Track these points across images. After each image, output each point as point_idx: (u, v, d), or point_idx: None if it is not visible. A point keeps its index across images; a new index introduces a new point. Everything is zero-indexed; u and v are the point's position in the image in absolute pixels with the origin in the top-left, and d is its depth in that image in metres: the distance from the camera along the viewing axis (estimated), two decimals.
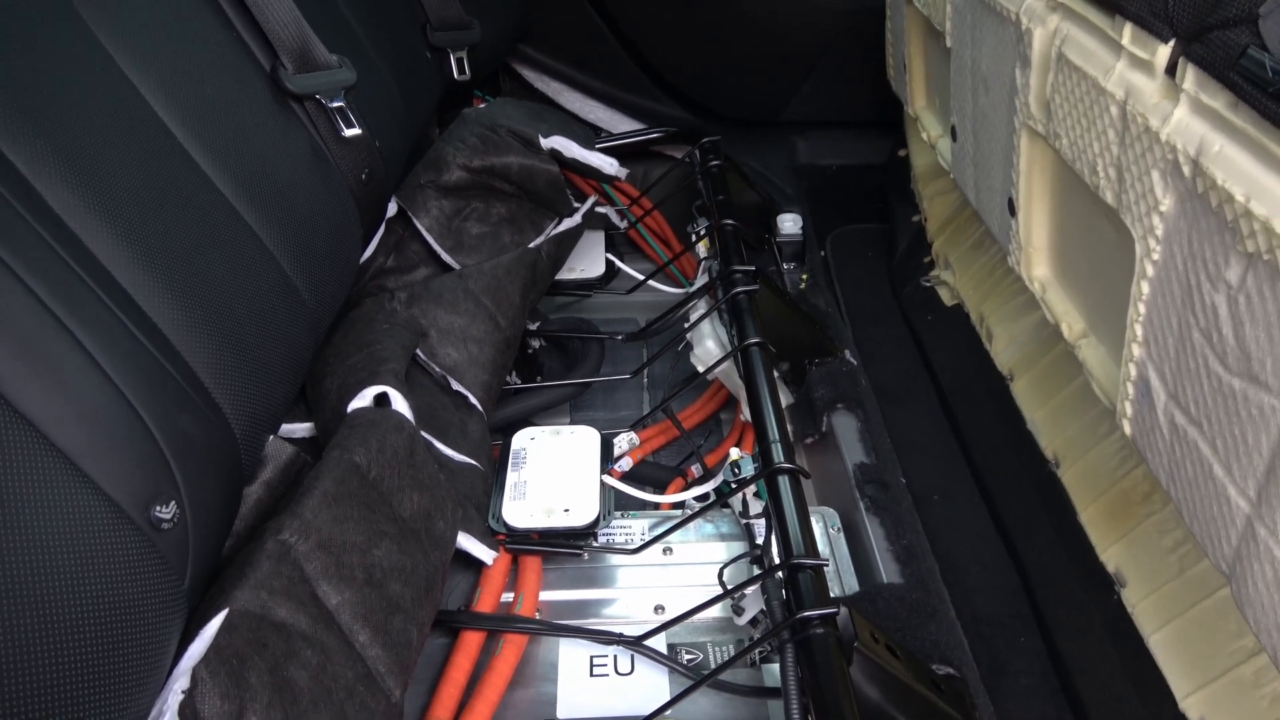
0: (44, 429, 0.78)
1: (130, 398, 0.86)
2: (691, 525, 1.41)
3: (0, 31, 0.92)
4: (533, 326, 1.85)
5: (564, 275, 1.94)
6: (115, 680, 0.79)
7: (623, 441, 1.63)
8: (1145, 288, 1.01)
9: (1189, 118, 0.90)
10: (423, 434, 1.27)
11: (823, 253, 2.27)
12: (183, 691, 0.83)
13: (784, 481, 1.23)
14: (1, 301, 0.78)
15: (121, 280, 0.93)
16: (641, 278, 1.97)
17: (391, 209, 1.66)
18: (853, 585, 1.39)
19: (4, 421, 0.75)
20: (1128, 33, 1.01)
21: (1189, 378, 0.95)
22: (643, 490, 1.49)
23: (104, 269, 0.91)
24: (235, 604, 0.92)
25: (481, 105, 2.06)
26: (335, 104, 1.39)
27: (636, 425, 1.66)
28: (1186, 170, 0.89)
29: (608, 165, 1.81)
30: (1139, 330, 1.04)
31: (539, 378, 1.87)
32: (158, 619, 0.85)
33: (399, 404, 1.23)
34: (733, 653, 1.29)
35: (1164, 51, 0.95)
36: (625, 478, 1.56)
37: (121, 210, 0.97)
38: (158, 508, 0.86)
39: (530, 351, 1.89)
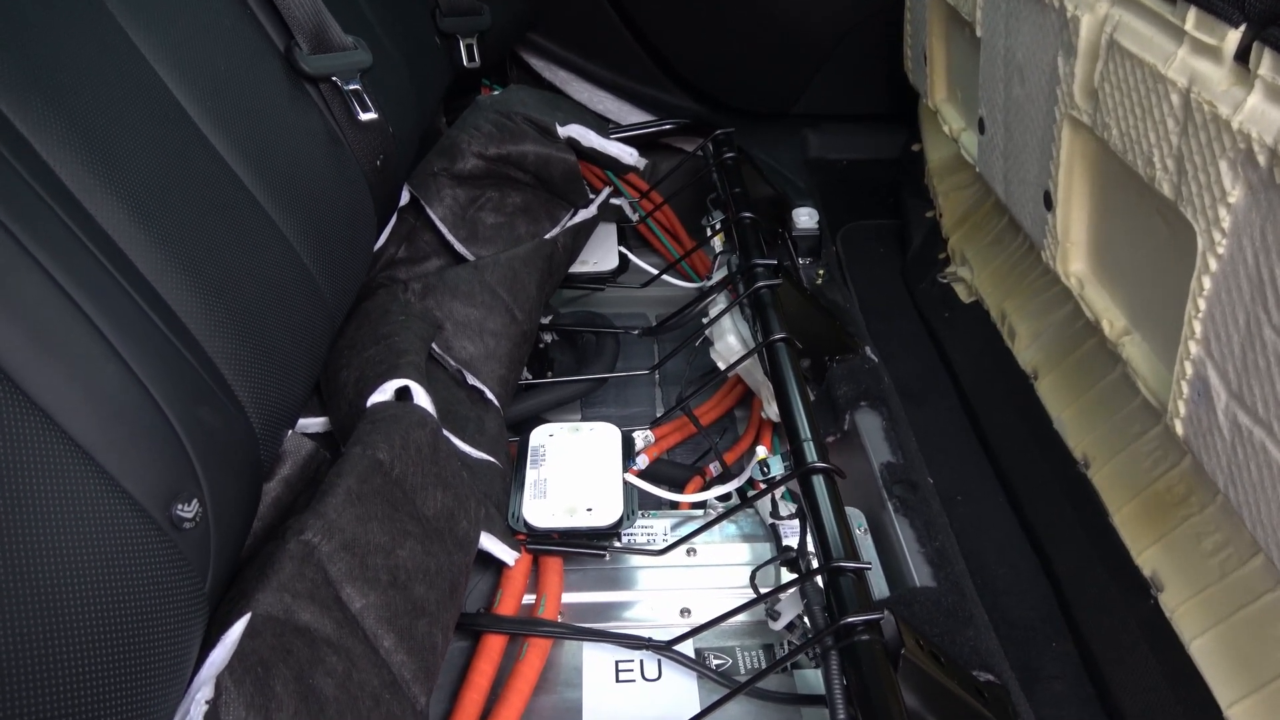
0: (61, 420, 0.73)
1: (151, 389, 0.81)
2: (715, 525, 1.37)
3: (12, 4, 0.87)
4: (545, 320, 1.80)
5: (576, 268, 1.89)
6: (136, 687, 0.74)
7: (638, 439, 1.59)
8: (1207, 283, 0.98)
9: (1265, 105, 0.87)
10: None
11: (834, 248, 2.24)
12: (206, 701, 0.78)
13: (819, 481, 1.19)
14: (17, 284, 0.73)
15: (139, 265, 0.88)
16: (655, 271, 1.93)
17: (404, 198, 1.61)
18: (882, 589, 1.35)
19: (19, 412, 0.70)
20: (1191, 18, 0.97)
21: (1257, 376, 0.91)
22: (664, 489, 1.44)
23: (121, 253, 0.86)
24: (258, 608, 0.87)
25: (492, 93, 2.01)
26: (351, 86, 1.34)
27: (657, 422, 1.61)
28: (1262, 159, 0.86)
29: (626, 155, 1.76)
30: (1197, 327, 1.01)
31: (549, 373, 1.82)
32: (179, 623, 0.80)
33: (421, 398, 1.18)
34: (762, 657, 1.25)
35: (1234, 36, 0.91)
36: (642, 476, 1.51)
37: (138, 191, 0.91)
38: (179, 506, 0.81)
39: (541, 346, 1.84)
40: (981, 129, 1.63)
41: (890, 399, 1.64)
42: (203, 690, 0.79)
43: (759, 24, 2.23)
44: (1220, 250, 0.94)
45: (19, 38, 0.85)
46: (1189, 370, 1.03)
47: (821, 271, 1.98)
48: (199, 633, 0.84)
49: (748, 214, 1.71)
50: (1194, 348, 1.02)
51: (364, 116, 1.36)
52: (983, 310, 1.88)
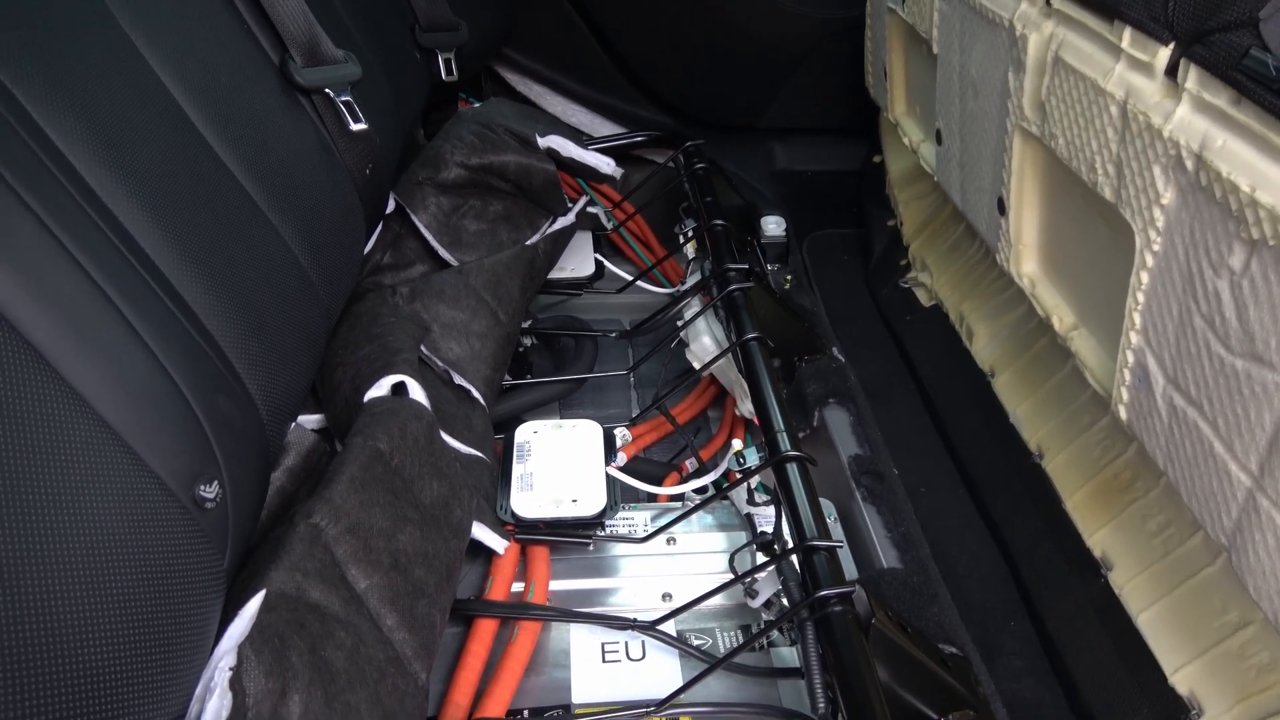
0: (95, 405, 0.78)
1: (175, 377, 0.86)
2: (693, 516, 1.44)
3: (34, 14, 0.92)
4: (524, 325, 1.86)
5: (554, 274, 1.95)
6: (165, 656, 0.79)
7: (617, 438, 1.65)
8: (1144, 278, 1.07)
9: (1191, 115, 0.96)
10: None
11: (801, 255, 2.33)
12: (230, 669, 0.83)
13: (793, 469, 1.26)
14: (55, 278, 0.78)
15: (158, 263, 0.93)
16: (630, 278, 2.00)
17: (390, 205, 1.67)
18: (852, 572, 1.43)
19: (57, 397, 0.75)
20: (1127, 36, 1.07)
21: (1189, 361, 1.00)
22: (644, 483, 1.51)
23: (143, 251, 0.91)
24: (272, 585, 0.93)
25: (472, 106, 2.07)
26: (343, 98, 1.40)
27: (634, 422, 1.68)
28: (1189, 164, 0.95)
29: (604, 165, 1.83)
30: (1137, 319, 1.10)
31: (529, 375, 1.88)
32: (202, 596, 0.85)
33: (416, 393, 1.24)
34: (740, 637, 1.32)
35: (1164, 53, 1.01)
36: (621, 472, 1.58)
37: (154, 193, 0.97)
38: (202, 486, 0.86)
39: (521, 349, 1.90)
40: (939, 140, 1.72)
41: (857, 397, 1.73)
42: (226, 659, 0.84)
43: (727, 41, 2.32)
44: (1156, 248, 1.03)
45: (47, 56, 0.90)
46: (1130, 359, 1.13)
47: (789, 277, 2.06)
48: (218, 607, 0.89)
49: (719, 221, 1.79)
50: (1134, 338, 1.11)
51: (355, 127, 1.42)
52: (942, 313, 1.98)
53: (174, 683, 0.81)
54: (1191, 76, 0.96)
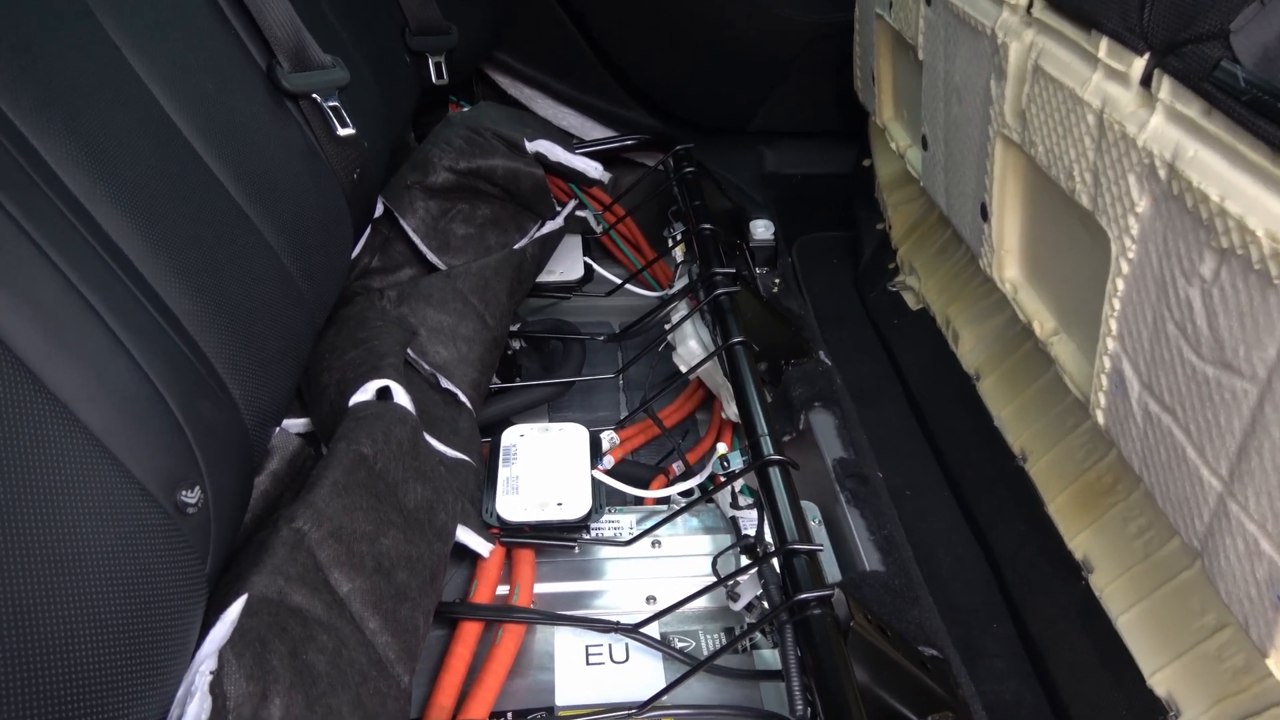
0: (76, 411, 0.79)
1: (156, 383, 0.87)
2: (678, 519, 1.45)
3: (22, 21, 0.93)
4: (513, 328, 1.87)
5: (543, 278, 1.96)
6: (146, 660, 0.80)
7: (604, 440, 1.66)
8: (1120, 284, 1.08)
9: (1164, 125, 0.97)
10: None
11: (790, 258, 2.34)
12: (210, 672, 0.84)
13: (775, 472, 1.27)
14: (36, 284, 0.79)
15: (141, 269, 0.94)
16: (619, 281, 2.01)
17: (378, 209, 1.67)
18: (834, 574, 1.44)
19: (38, 403, 0.76)
20: (1104, 47, 1.08)
21: (1163, 367, 1.01)
22: (631, 486, 1.52)
23: (125, 258, 0.92)
24: (254, 589, 0.94)
25: (460, 110, 2.08)
26: (330, 103, 1.41)
27: (622, 424, 1.69)
28: (1162, 174, 0.96)
29: (592, 169, 1.84)
30: (1113, 325, 1.11)
31: (517, 378, 1.89)
32: (183, 601, 0.86)
33: (401, 397, 1.25)
34: (723, 639, 1.33)
35: (1139, 64, 1.02)
36: (608, 475, 1.59)
37: (138, 200, 0.97)
38: (183, 492, 0.87)
39: (510, 353, 1.91)
40: (924, 146, 1.73)
41: (843, 400, 1.74)
42: (207, 662, 0.85)
43: (717, 44, 2.33)
44: (1130, 255, 1.05)
45: (34, 64, 0.91)
46: (1107, 365, 1.14)
47: (777, 281, 2.07)
48: (200, 611, 0.90)
49: (708, 225, 1.80)
50: (1111, 344, 1.12)
51: (342, 132, 1.43)
52: (929, 316, 1.99)
53: (155, 687, 0.82)
54: (1165, 87, 0.97)
